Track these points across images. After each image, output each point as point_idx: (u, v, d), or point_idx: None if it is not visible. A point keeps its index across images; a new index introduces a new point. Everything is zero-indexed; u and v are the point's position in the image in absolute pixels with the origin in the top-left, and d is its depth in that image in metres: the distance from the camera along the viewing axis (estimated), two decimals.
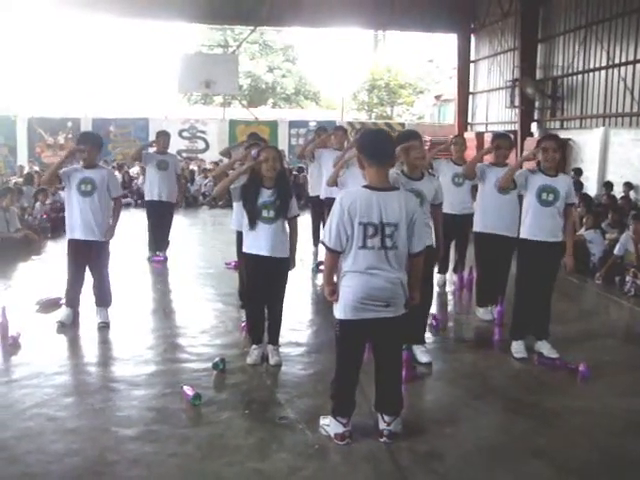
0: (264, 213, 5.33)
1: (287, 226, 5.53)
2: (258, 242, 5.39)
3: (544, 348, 5.91)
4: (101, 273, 6.65)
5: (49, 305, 7.11)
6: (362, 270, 4.02)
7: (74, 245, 6.54)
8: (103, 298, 6.69)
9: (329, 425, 4.33)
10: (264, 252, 5.38)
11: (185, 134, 25.13)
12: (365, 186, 4.07)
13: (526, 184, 5.81)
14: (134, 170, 19.05)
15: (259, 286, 5.54)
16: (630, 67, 15.34)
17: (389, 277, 4.04)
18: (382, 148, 4.12)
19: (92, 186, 6.43)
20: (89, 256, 6.56)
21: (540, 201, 5.74)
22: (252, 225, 5.36)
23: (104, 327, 6.52)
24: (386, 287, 4.04)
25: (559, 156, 5.82)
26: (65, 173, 6.48)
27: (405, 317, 4.24)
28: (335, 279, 4.19)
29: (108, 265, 6.73)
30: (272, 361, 5.57)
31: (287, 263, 5.55)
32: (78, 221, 6.45)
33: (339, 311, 4.15)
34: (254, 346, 5.68)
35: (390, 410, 4.31)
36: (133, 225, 11.72)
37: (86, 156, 6.48)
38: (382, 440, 4.24)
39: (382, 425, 4.29)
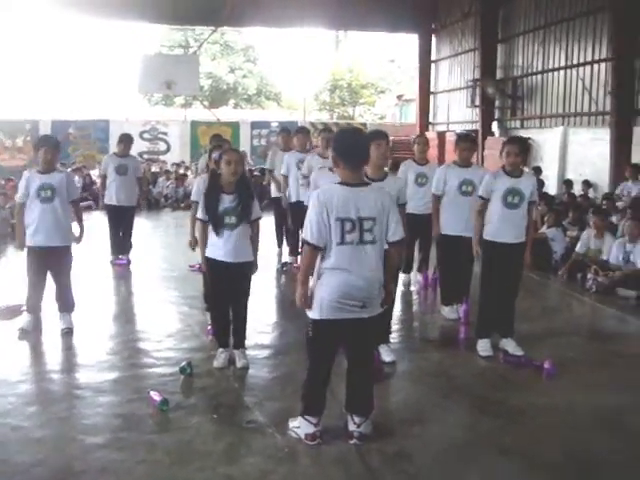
0: (226, 219, 5.29)
1: (249, 229, 5.50)
2: (221, 248, 5.35)
3: (509, 346, 5.96)
4: (63, 279, 6.55)
5: (10, 312, 6.95)
6: (341, 267, 4.01)
7: (35, 252, 6.41)
8: (66, 303, 6.58)
9: (299, 427, 4.32)
10: (227, 258, 5.35)
11: (146, 136, 24.87)
12: (340, 183, 4.09)
13: (492, 190, 5.86)
14: (95, 172, 18.79)
15: (223, 291, 5.51)
16: (588, 67, 15.59)
17: (366, 276, 4.05)
18: (359, 151, 4.15)
19: (52, 192, 6.32)
20: (51, 262, 6.45)
21: (506, 204, 5.80)
22: (217, 232, 5.33)
23: (68, 333, 6.41)
24: (363, 287, 4.04)
25: (521, 160, 5.89)
26: (24, 183, 6.37)
27: (379, 318, 4.28)
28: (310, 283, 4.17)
29: (70, 270, 6.63)
30: (239, 364, 5.54)
31: (250, 267, 5.51)
32: (39, 228, 6.33)
33: (314, 310, 4.13)
34: (220, 349, 5.64)
35: (360, 411, 4.31)
36: (95, 228, 11.56)
37: (50, 158, 6.37)
38: (352, 442, 4.24)
39: (352, 427, 4.29)
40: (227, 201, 5.30)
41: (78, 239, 6.67)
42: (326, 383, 4.32)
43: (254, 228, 5.51)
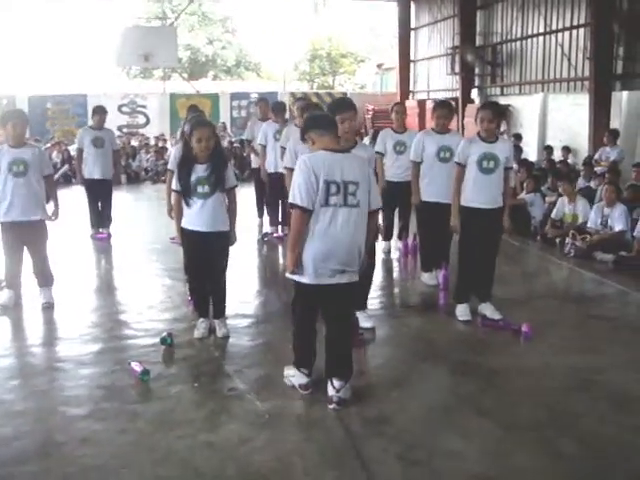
0: (199, 189, 5.24)
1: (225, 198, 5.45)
2: (195, 218, 5.31)
3: (487, 310, 6.02)
4: (40, 253, 6.48)
5: None
6: (323, 230, 4.14)
7: (10, 227, 6.33)
8: (44, 278, 6.54)
9: (294, 376, 4.53)
10: (202, 228, 5.31)
11: (125, 109, 24.65)
12: (324, 149, 4.21)
13: (468, 155, 5.86)
14: (74, 147, 18.60)
15: (199, 261, 5.48)
16: (567, 33, 15.57)
17: (347, 239, 4.17)
18: (327, 118, 4.44)
19: (25, 166, 6.22)
20: (26, 237, 6.38)
21: (481, 169, 5.79)
22: (187, 202, 5.30)
23: (48, 307, 6.39)
24: (343, 251, 4.17)
25: (495, 126, 5.87)
26: None
27: (357, 284, 4.38)
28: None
29: (46, 244, 6.56)
30: (219, 333, 5.56)
31: (227, 236, 5.45)
32: (14, 203, 6.24)
33: (298, 274, 4.26)
34: (201, 319, 5.65)
35: (340, 375, 4.36)
36: (74, 202, 11.50)
37: (19, 131, 6.27)
38: (331, 407, 4.28)
39: (331, 392, 4.34)
40: (200, 170, 5.24)
41: (54, 215, 6.57)
42: (313, 336, 4.51)
43: (230, 197, 5.46)
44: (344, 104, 5.03)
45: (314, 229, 4.15)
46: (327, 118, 4.45)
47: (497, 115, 5.91)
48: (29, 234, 6.36)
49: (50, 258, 6.63)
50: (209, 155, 5.25)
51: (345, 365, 4.41)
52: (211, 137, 5.24)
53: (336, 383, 4.34)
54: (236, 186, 5.51)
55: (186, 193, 5.28)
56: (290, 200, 4.20)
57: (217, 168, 5.26)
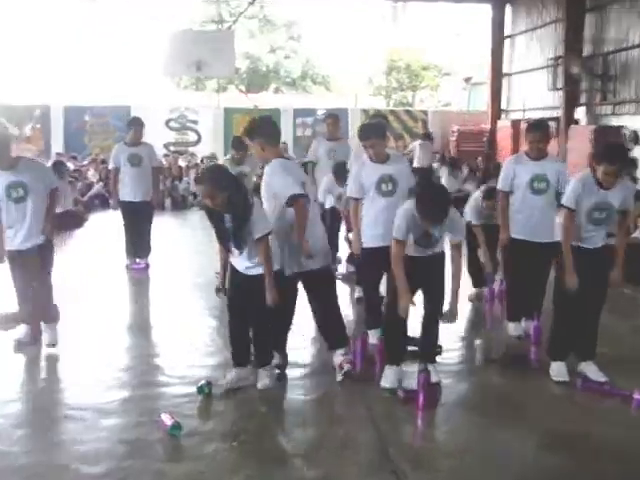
0: (232, 241, 5.37)
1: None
2: (234, 260, 5.54)
3: (589, 370, 5.83)
4: (44, 283, 6.54)
5: (7, 321, 7.03)
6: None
7: (15, 256, 6.44)
8: (48, 313, 6.60)
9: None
10: (240, 269, 5.51)
11: (173, 124, 25.03)
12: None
13: (580, 201, 5.66)
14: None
15: (235, 300, 5.60)
16: None
17: None
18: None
19: (24, 189, 6.32)
20: (30, 265, 6.47)
21: (591, 220, 5.65)
22: (226, 249, 5.53)
23: (52, 347, 6.45)
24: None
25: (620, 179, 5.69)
26: None
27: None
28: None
29: (50, 273, 6.63)
30: (259, 385, 5.57)
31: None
32: (18, 230, 6.37)
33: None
34: (237, 369, 5.64)
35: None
36: (110, 227, 11.70)
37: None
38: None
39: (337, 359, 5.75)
40: (227, 220, 5.35)
41: (46, 233, 6.50)
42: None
43: (259, 248, 5.37)
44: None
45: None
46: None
47: (622, 168, 5.71)
48: (32, 262, 6.46)
49: (55, 290, 6.65)
50: (226, 208, 5.30)
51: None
52: (214, 195, 5.21)
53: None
54: (266, 234, 5.36)
55: (221, 242, 5.51)
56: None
57: (236, 222, 5.30)
